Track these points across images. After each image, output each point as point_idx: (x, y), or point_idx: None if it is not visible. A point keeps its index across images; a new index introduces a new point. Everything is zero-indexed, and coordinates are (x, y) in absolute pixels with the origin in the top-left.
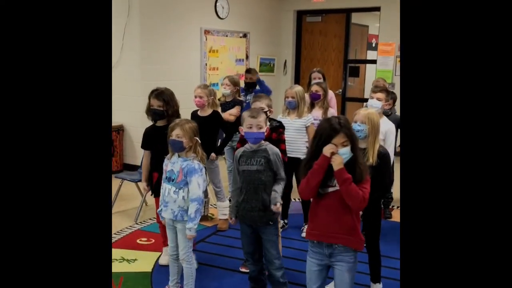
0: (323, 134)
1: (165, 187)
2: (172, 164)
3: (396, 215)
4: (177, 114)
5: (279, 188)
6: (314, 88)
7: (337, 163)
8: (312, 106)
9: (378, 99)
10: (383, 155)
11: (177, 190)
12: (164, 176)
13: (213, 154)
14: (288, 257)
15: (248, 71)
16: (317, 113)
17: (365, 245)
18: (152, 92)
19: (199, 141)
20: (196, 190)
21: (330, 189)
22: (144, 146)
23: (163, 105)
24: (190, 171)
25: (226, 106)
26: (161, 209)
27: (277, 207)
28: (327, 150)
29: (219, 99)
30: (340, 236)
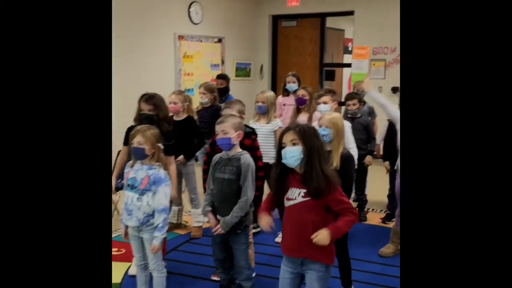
0: (280, 136)
1: (127, 195)
2: (135, 171)
3: (371, 218)
4: (167, 119)
5: (236, 212)
6: (301, 92)
7: (322, 240)
8: (298, 110)
9: (325, 102)
10: (346, 157)
11: (140, 196)
12: (125, 183)
13: (180, 157)
14: (262, 263)
15: (220, 76)
16: (303, 117)
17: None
18: (142, 96)
19: (162, 147)
20: (162, 201)
21: (291, 202)
22: (126, 142)
23: (153, 109)
24: (157, 181)
25: (204, 112)
26: (124, 218)
27: (220, 231)
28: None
29: (196, 108)
30: (305, 251)
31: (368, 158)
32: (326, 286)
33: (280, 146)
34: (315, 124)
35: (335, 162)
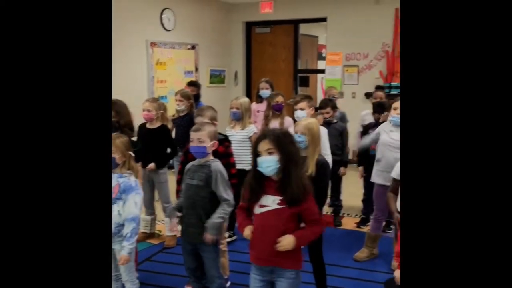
0: (255, 142)
1: None
2: None
3: (346, 223)
4: (129, 125)
5: (219, 212)
6: (279, 99)
7: (286, 246)
8: (267, 116)
9: (301, 108)
10: (322, 164)
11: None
12: None
13: (151, 164)
14: (237, 271)
15: (191, 83)
16: (276, 123)
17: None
18: None
19: (133, 155)
20: (132, 209)
21: (264, 209)
22: None
23: (114, 115)
24: (127, 189)
25: (181, 120)
26: None
27: (209, 238)
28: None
29: (173, 115)
30: (275, 259)
31: (342, 170)
32: None
33: (255, 154)
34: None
35: (311, 168)
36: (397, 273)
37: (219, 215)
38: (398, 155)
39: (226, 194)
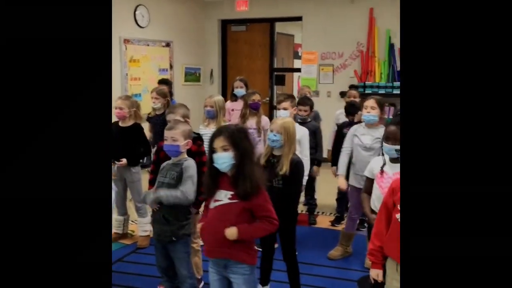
0: (210, 139)
1: None
2: None
3: (320, 221)
4: None
5: (170, 193)
6: (256, 97)
7: (231, 236)
8: (244, 115)
9: (285, 108)
10: (296, 163)
11: None
12: None
13: (123, 160)
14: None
15: (162, 81)
16: (252, 122)
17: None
18: None
19: None
20: None
21: (217, 204)
22: None
23: None
24: None
25: (157, 119)
26: None
27: (150, 200)
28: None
29: (149, 114)
30: (224, 250)
31: (315, 169)
32: None
33: (211, 150)
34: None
35: (285, 167)
36: (373, 272)
37: (167, 194)
38: (369, 157)
39: (189, 187)
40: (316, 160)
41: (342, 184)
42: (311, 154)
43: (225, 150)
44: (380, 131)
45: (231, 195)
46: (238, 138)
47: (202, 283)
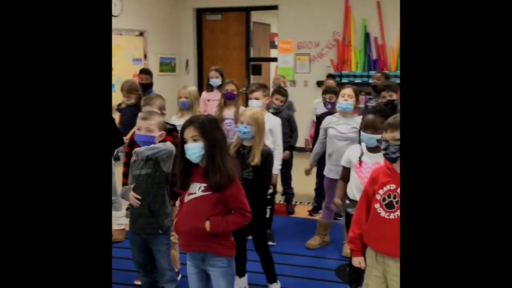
0: (181, 130)
1: None
2: None
3: (298, 211)
4: None
5: (154, 147)
6: (230, 87)
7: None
8: (224, 105)
9: (256, 98)
10: (267, 154)
11: None
12: None
13: None
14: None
15: (144, 71)
16: (230, 112)
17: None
18: None
19: None
20: None
21: (191, 197)
22: None
23: None
24: None
25: (128, 110)
26: None
27: (126, 195)
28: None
29: (118, 104)
30: (200, 244)
31: (286, 153)
32: (232, 281)
33: (182, 141)
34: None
35: (257, 158)
36: (354, 261)
37: (152, 147)
38: (346, 146)
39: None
40: (289, 145)
41: (308, 170)
42: (287, 142)
43: (195, 140)
44: (356, 120)
45: (204, 187)
46: (208, 128)
47: (180, 276)
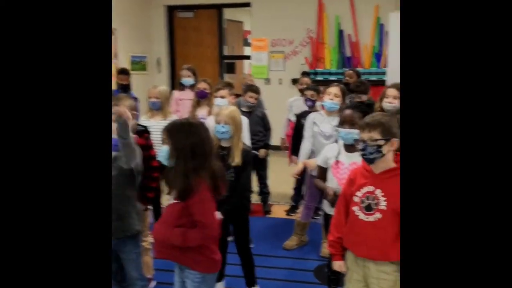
0: None
1: None
2: None
3: (275, 211)
4: None
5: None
6: (202, 85)
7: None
8: (197, 104)
9: (222, 96)
10: (247, 153)
11: None
12: None
13: None
14: (162, 269)
15: (123, 71)
16: (203, 111)
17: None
18: None
19: None
20: None
21: (169, 202)
22: None
23: None
24: None
25: None
26: None
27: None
28: None
29: None
30: (168, 252)
31: (262, 152)
32: None
33: None
34: (211, 118)
35: (237, 158)
36: (335, 265)
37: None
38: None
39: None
40: (265, 143)
41: (311, 165)
42: (263, 140)
43: (165, 143)
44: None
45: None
46: (174, 132)
47: (154, 283)
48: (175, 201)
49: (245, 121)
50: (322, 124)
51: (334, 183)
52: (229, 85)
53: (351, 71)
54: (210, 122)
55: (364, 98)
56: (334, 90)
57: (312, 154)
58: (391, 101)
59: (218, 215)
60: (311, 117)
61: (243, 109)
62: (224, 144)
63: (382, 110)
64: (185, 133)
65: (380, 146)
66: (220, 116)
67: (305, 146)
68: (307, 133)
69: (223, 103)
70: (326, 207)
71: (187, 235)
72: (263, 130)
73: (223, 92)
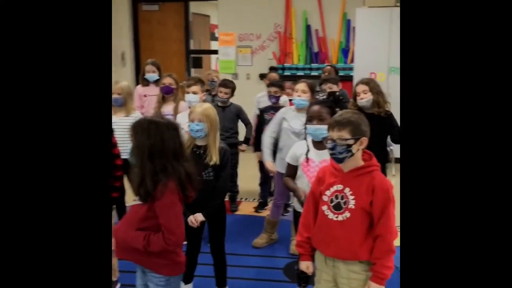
0: None
1: None
2: None
3: (244, 208)
4: None
5: None
6: (167, 80)
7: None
8: (163, 100)
9: (194, 92)
10: (225, 151)
11: None
12: None
13: None
14: (127, 271)
15: None
16: (169, 108)
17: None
18: None
19: None
20: None
21: (134, 203)
22: None
23: None
24: None
25: None
26: None
27: None
28: None
29: None
30: (130, 253)
31: (243, 147)
32: None
33: None
34: (182, 115)
35: (214, 157)
36: (302, 265)
37: None
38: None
39: None
40: (245, 138)
41: (271, 167)
42: (232, 135)
43: (131, 141)
44: None
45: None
46: (136, 131)
47: (119, 285)
48: (138, 202)
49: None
50: (292, 121)
51: (304, 181)
52: (201, 82)
53: (329, 67)
54: (180, 119)
55: (335, 88)
56: (300, 86)
57: (280, 151)
58: (362, 97)
59: (200, 217)
60: (282, 111)
61: (219, 104)
62: (200, 142)
63: (359, 108)
64: (147, 133)
65: (349, 146)
66: (194, 113)
67: (267, 142)
68: (271, 128)
69: (195, 99)
70: (296, 204)
71: (150, 240)
72: (235, 127)
73: (196, 88)
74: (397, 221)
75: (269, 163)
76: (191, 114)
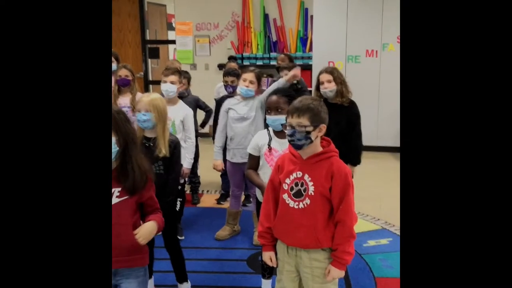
0: None
1: None
2: None
3: (205, 200)
4: None
5: None
6: (123, 72)
7: (148, 236)
8: (118, 92)
9: (172, 82)
10: (176, 144)
11: None
12: None
13: None
14: None
15: None
16: (126, 100)
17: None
18: None
19: None
20: None
21: (115, 200)
22: None
23: None
24: None
25: None
26: None
27: None
28: None
29: None
30: (121, 259)
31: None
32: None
33: None
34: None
35: (164, 149)
36: (265, 256)
37: None
38: (247, 127)
39: None
40: (203, 121)
41: (217, 165)
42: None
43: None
44: (255, 100)
45: (119, 191)
46: (118, 120)
47: None
48: (120, 199)
49: (190, 113)
50: (237, 106)
51: (267, 171)
52: (179, 72)
53: (283, 55)
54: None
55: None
56: (249, 76)
57: (231, 141)
58: (326, 86)
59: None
60: (225, 104)
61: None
62: (148, 134)
63: (321, 97)
64: (128, 121)
65: (309, 133)
66: (141, 103)
67: (218, 140)
68: (220, 123)
69: (172, 90)
70: (259, 194)
71: (159, 221)
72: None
73: (174, 77)
74: (391, 218)
75: (216, 162)
76: (138, 104)
